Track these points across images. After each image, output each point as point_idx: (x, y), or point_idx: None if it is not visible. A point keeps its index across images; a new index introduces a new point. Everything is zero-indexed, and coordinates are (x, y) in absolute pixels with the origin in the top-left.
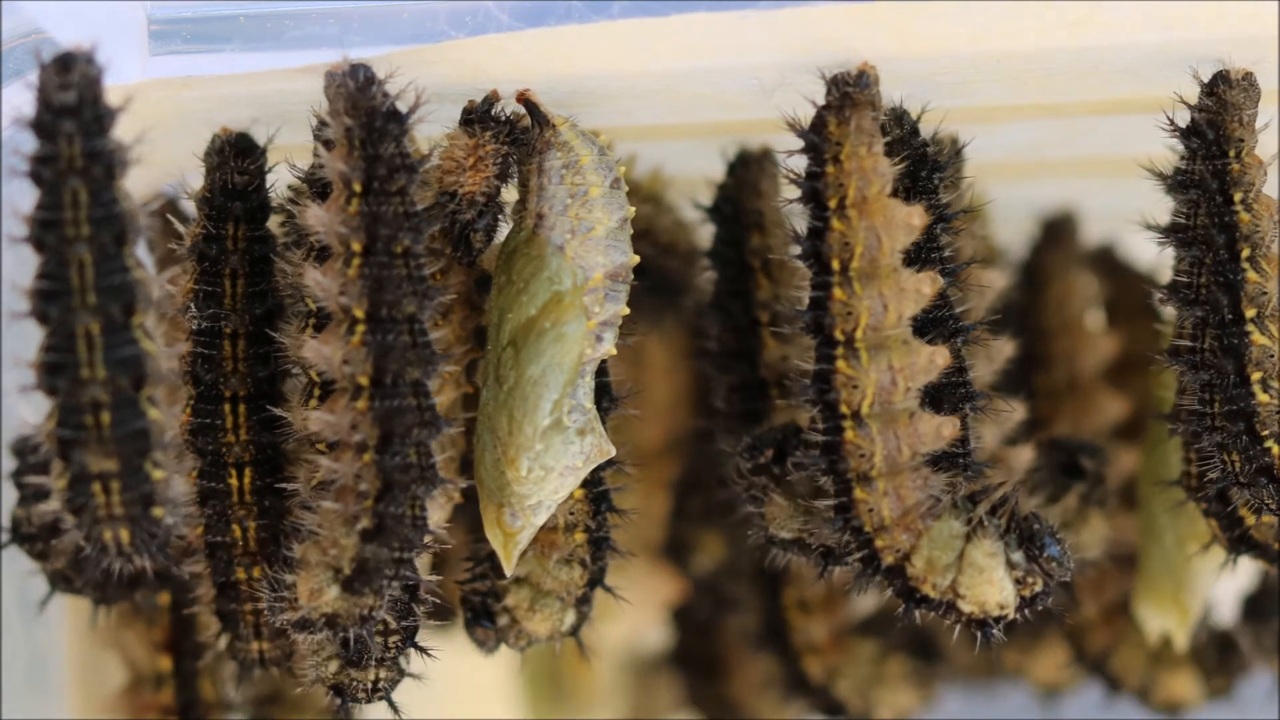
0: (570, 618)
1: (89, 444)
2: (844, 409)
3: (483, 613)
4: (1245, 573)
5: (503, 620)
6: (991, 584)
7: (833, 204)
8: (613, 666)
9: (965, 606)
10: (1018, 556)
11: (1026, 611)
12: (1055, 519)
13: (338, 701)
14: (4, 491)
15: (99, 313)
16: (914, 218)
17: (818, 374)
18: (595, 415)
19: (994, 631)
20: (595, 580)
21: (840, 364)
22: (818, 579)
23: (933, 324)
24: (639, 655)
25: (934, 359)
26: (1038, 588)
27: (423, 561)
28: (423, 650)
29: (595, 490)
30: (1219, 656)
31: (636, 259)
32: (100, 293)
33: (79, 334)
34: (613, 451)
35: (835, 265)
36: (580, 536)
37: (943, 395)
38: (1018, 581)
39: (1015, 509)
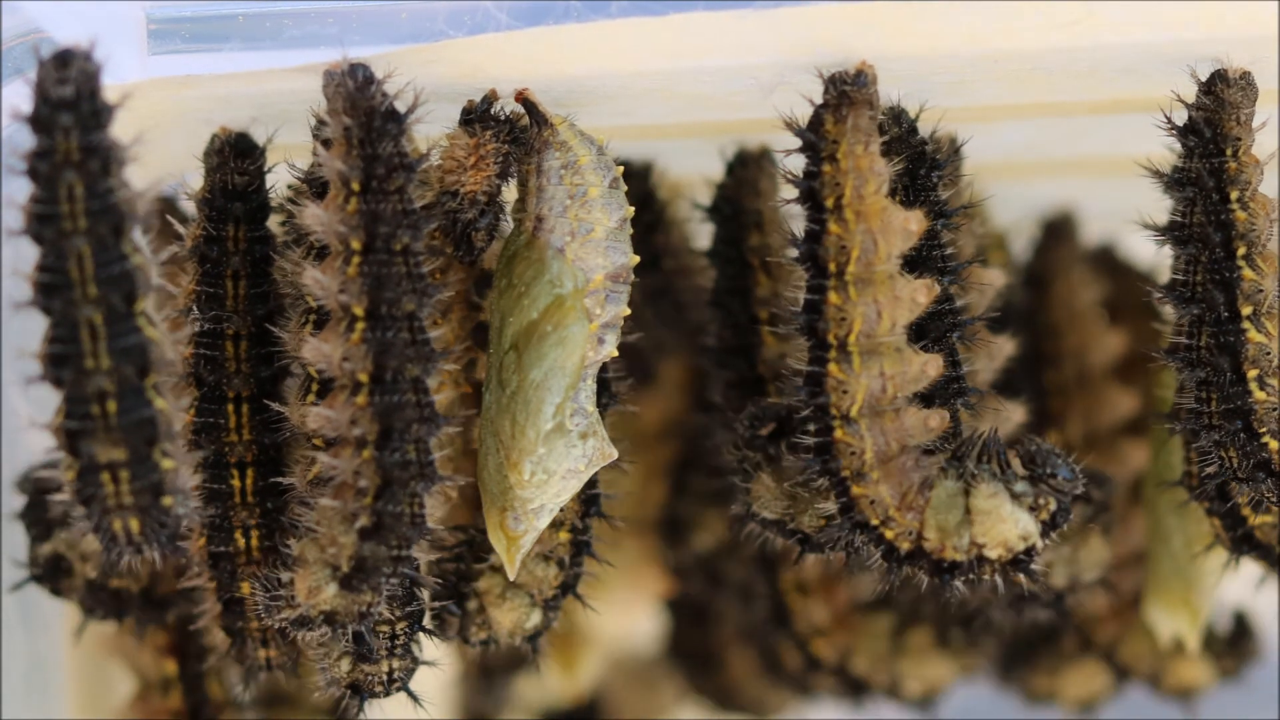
0: (535, 618)
1: (96, 434)
2: (834, 411)
3: (452, 592)
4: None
5: (471, 604)
6: (1004, 520)
7: (829, 203)
8: (611, 662)
9: (992, 553)
10: (1021, 487)
11: (1053, 535)
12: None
13: (356, 700)
14: (3, 485)
15: (100, 304)
16: (911, 223)
17: (809, 376)
18: (597, 418)
19: (1031, 566)
20: (568, 585)
21: (832, 367)
22: (794, 563)
23: (931, 318)
24: (635, 650)
25: (926, 369)
26: (1052, 507)
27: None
28: (431, 634)
29: (588, 492)
30: (1229, 638)
31: (636, 259)
32: (101, 284)
33: (82, 324)
34: (615, 455)
35: (832, 268)
36: (564, 535)
37: (935, 391)
38: (1032, 509)
39: (999, 446)
